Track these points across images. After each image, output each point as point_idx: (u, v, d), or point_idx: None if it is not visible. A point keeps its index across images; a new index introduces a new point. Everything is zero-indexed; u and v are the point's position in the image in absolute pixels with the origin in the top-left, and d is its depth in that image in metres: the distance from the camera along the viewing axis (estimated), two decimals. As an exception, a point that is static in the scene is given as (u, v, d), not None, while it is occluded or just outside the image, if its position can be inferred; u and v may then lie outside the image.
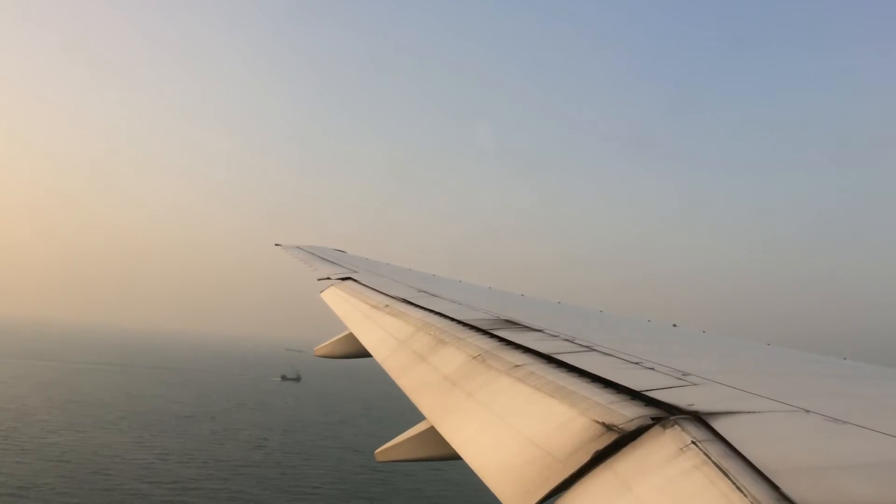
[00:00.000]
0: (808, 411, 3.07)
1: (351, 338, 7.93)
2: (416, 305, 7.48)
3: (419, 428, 5.08)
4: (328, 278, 10.76)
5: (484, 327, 5.72)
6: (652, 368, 4.05)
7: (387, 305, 7.83)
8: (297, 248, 15.17)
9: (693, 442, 2.58)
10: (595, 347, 4.80)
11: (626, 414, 3.07)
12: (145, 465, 71.94)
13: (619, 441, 2.84)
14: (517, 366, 4.31)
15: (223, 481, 68.13)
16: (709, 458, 2.41)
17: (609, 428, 2.98)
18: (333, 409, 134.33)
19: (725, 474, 2.26)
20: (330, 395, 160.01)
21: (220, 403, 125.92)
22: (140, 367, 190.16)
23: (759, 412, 3.04)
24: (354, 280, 10.28)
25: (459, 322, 6.12)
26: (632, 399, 3.32)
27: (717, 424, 2.76)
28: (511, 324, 5.98)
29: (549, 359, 4.38)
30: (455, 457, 3.96)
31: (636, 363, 4.23)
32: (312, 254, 14.15)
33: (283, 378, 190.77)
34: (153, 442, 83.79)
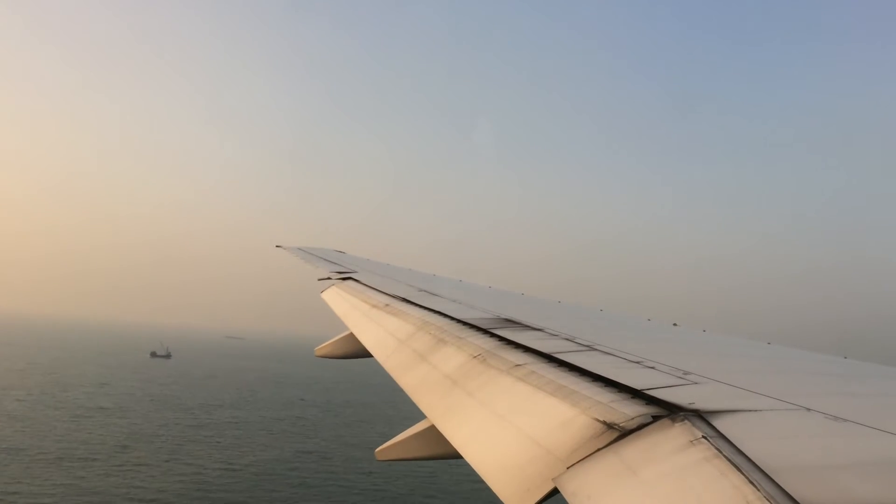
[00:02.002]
0: (808, 409, 3.07)
1: (351, 338, 7.92)
2: (417, 304, 7.47)
3: (419, 427, 5.08)
4: (328, 278, 10.76)
5: (484, 326, 5.72)
6: (653, 367, 4.05)
7: (387, 305, 7.83)
8: (298, 249, 15.18)
9: (704, 437, 2.59)
10: (596, 346, 4.80)
11: (627, 412, 3.08)
12: None
13: (620, 439, 2.85)
14: (518, 365, 4.31)
15: None
16: (720, 452, 2.42)
17: (610, 426, 2.98)
18: (126, 379, 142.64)
19: (738, 469, 2.26)
20: (160, 367, 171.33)
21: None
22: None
23: (760, 410, 3.04)
24: (355, 280, 10.27)
25: (460, 321, 6.11)
26: (633, 398, 3.32)
27: (718, 422, 2.76)
28: (511, 323, 5.98)
29: (549, 358, 4.38)
30: (456, 456, 3.96)
31: (637, 362, 4.23)
32: (313, 254, 14.16)
33: (153, 355, 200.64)
34: None
